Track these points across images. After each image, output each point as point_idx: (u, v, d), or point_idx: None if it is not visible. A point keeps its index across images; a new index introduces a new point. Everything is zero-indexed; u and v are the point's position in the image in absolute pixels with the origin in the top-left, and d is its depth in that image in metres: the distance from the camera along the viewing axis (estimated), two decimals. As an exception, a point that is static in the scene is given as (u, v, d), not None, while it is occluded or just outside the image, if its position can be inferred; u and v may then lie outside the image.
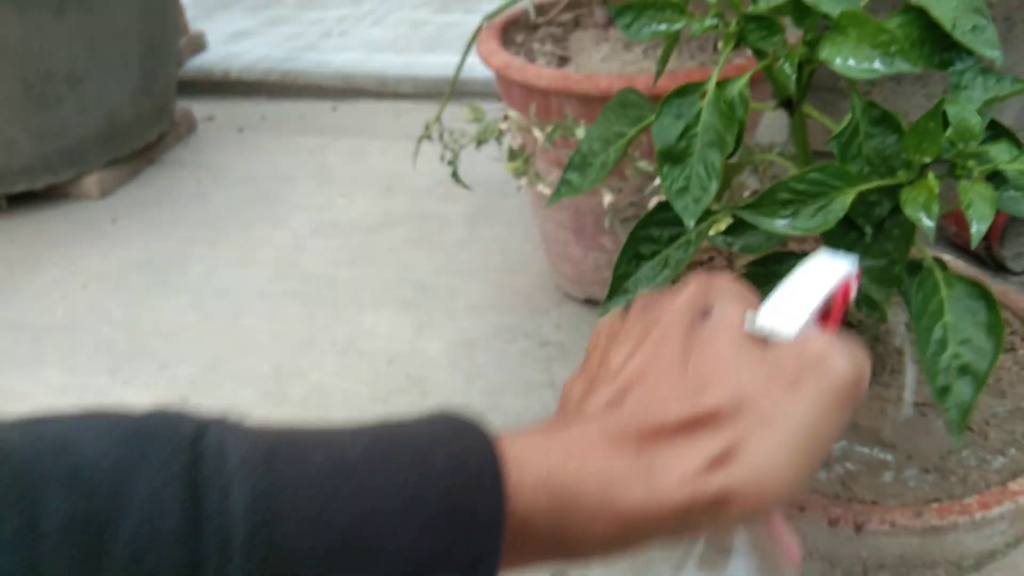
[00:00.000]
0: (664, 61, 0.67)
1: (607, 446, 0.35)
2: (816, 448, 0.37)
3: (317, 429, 0.35)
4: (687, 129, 0.58)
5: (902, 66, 0.51)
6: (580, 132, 1.04)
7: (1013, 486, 0.61)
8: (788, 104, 0.63)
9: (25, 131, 1.82)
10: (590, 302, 1.49)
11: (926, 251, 0.58)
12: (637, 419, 0.36)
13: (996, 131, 0.63)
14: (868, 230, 0.58)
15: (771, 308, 0.40)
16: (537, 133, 1.05)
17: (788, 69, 0.56)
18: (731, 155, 0.58)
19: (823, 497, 0.63)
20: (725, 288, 0.43)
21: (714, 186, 0.57)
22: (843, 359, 0.37)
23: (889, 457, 0.68)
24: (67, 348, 1.48)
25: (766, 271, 0.65)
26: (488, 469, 0.33)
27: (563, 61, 1.33)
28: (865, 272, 0.59)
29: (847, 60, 0.54)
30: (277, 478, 0.30)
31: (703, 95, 0.58)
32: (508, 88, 1.28)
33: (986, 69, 0.64)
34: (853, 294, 0.43)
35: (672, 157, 0.58)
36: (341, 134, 2.17)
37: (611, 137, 0.72)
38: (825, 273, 0.42)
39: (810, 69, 0.59)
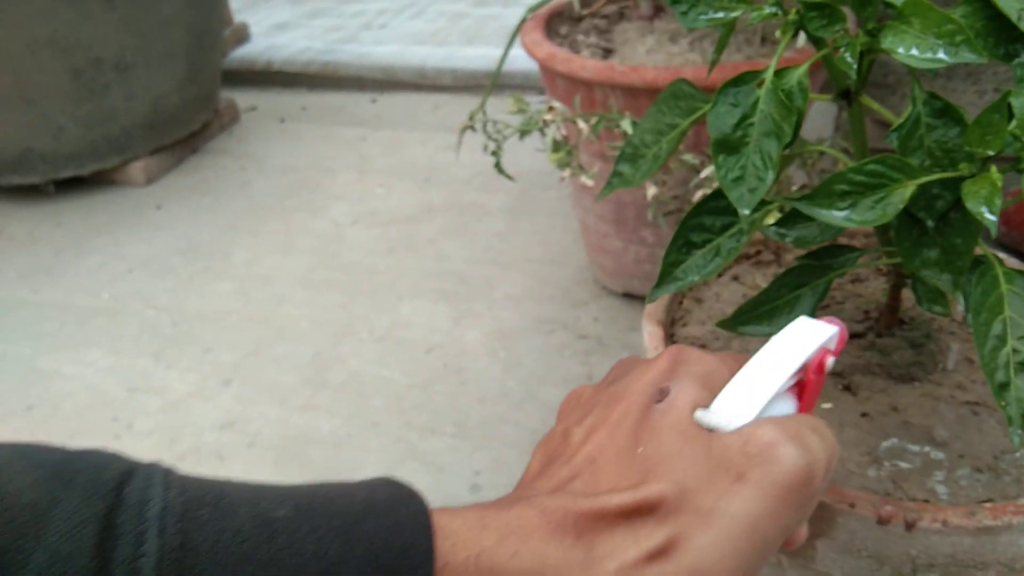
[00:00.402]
0: (720, 50, 0.66)
1: (546, 531, 0.34)
2: (761, 544, 0.35)
3: (249, 484, 0.34)
4: (744, 118, 0.57)
5: (968, 56, 0.50)
6: (625, 124, 1.04)
7: (1071, 486, 0.60)
8: (846, 95, 0.62)
9: (73, 118, 1.85)
10: (628, 296, 1.49)
11: (984, 246, 0.57)
12: (580, 504, 0.35)
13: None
14: (930, 223, 0.57)
15: (724, 398, 0.39)
16: (582, 124, 1.05)
17: (849, 58, 0.55)
18: (788, 145, 0.58)
19: (873, 495, 0.62)
20: (690, 369, 0.41)
21: (771, 176, 0.56)
22: (792, 452, 0.35)
23: (941, 455, 0.67)
24: (112, 331, 1.51)
25: (820, 264, 0.64)
26: (417, 544, 0.32)
27: (607, 53, 1.32)
28: (931, 264, 0.58)
29: (910, 50, 0.53)
30: (195, 532, 0.30)
31: (760, 84, 0.58)
32: (552, 79, 1.27)
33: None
34: (830, 364, 0.42)
35: (728, 146, 0.57)
36: (380, 125, 2.19)
37: (664, 129, 0.72)
38: (798, 347, 0.40)
39: (870, 59, 0.58)
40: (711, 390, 0.40)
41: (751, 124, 0.57)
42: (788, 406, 0.40)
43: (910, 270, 0.59)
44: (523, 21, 1.30)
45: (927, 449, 0.68)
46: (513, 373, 1.33)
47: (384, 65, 2.45)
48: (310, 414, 1.28)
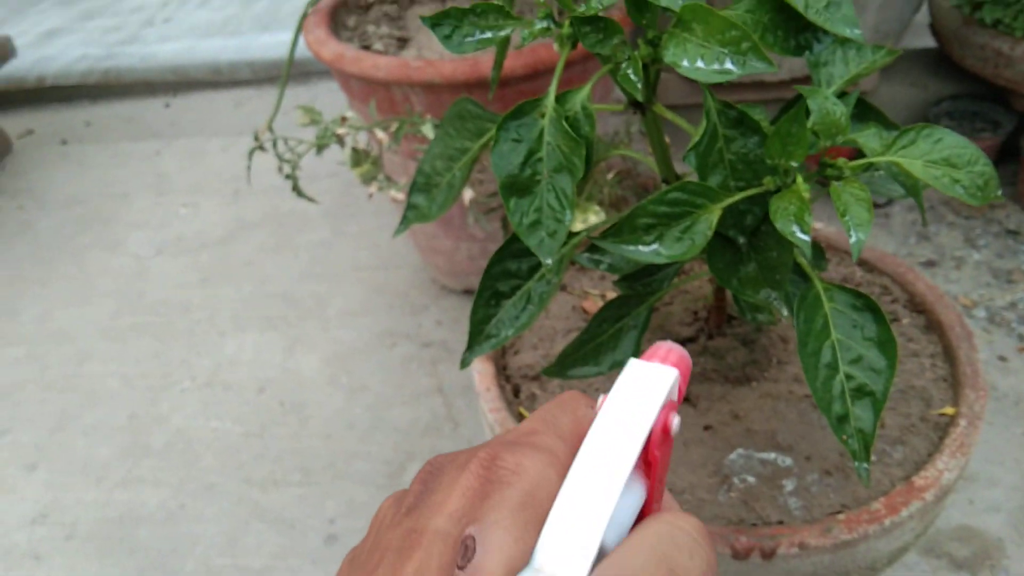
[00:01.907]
0: (498, 69, 0.58)
1: None
2: None
3: None
4: (530, 154, 0.50)
5: (757, 66, 0.45)
6: (427, 129, 0.95)
7: (918, 481, 0.58)
8: (638, 105, 0.56)
9: None
10: (469, 293, 1.42)
11: (803, 261, 0.53)
12: None
13: (862, 110, 0.59)
14: (742, 240, 0.53)
15: (550, 542, 0.30)
16: (380, 134, 0.95)
17: (633, 75, 0.49)
18: (584, 178, 0.51)
19: (726, 526, 0.58)
20: (505, 495, 0.29)
21: (568, 216, 0.50)
22: None
23: (788, 461, 0.64)
24: None
25: (638, 292, 0.59)
26: None
27: (402, 42, 1.22)
28: (749, 281, 0.54)
29: (695, 62, 0.47)
30: None
31: (542, 113, 0.51)
32: (346, 80, 1.16)
33: (845, 40, 0.59)
34: (676, 425, 0.33)
35: (518, 188, 0.50)
36: (176, 134, 1.99)
37: (453, 154, 0.64)
38: (635, 421, 0.31)
39: (657, 68, 0.52)
40: (536, 519, 0.29)
41: (539, 160, 0.50)
42: (635, 495, 0.31)
43: (728, 289, 0.54)
44: (304, 16, 1.18)
45: (774, 456, 0.65)
46: (358, 399, 1.24)
47: (174, 65, 2.23)
48: (133, 489, 1.14)
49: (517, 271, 0.55)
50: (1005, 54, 1.40)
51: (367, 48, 1.18)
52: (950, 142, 0.49)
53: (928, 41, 1.68)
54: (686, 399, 0.69)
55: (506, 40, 0.54)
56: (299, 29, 1.15)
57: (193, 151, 1.90)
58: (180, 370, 1.32)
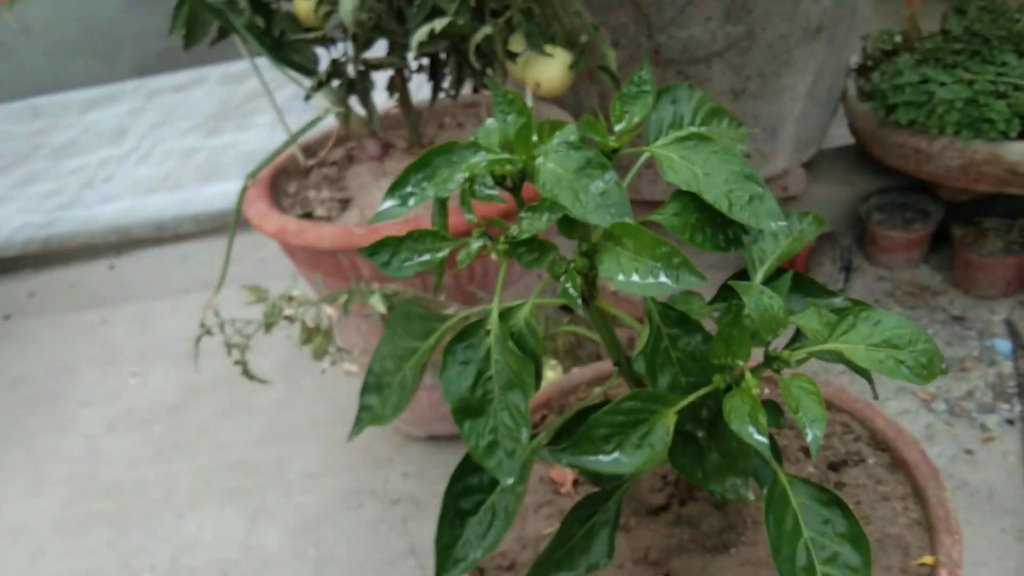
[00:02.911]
0: (438, 287, 0.59)
1: None
2: None
3: None
4: (479, 375, 0.50)
5: (690, 280, 0.46)
6: (375, 301, 0.95)
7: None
8: (583, 300, 0.57)
9: None
10: (434, 439, 1.39)
11: (768, 455, 0.53)
12: None
13: (797, 282, 0.60)
14: (701, 435, 0.53)
15: None
16: (329, 311, 0.95)
17: (571, 290, 0.49)
18: (536, 388, 0.51)
19: None
20: None
21: (525, 433, 0.49)
22: None
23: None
24: None
25: (604, 488, 0.58)
26: None
27: (344, 203, 1.24)
28: (714, 472, 0.53)
29: (630, 276, 0.48)
30: None
31: (487, 332, 0.51)
32: (291, 251, 1.17)
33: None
34: None
35: (470, 410, 0.50)
36: (123, 299, 1.96)
37: (403, 353, 0.64)
38: None
39: (595, 274, 0.53)
40: None
41: (489, 379, 0.50)
42: None
43: (694, 483, 0.54)
44: (243, 191, 1.19)
45: (762, 629, 0.63)
46: (327, 570, 1.19)
47: (116, 225, 2.22)
48: None
49: (479, 485, 0.54)
50: (924, 151, 1.47)
51: (309, 215, 1.19)
52: (890, 323, 0.50)
53: (847, 137, 1.75)
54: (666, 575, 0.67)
55: (444, 260, 0.54)
56: (239, 205, 1.16)
57: (140, 315, 1.88)
58: (138, 559, 1.26)
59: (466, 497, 0.54)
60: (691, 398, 0.50)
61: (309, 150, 1.34)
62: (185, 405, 1.56)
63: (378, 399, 0.65)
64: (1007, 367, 1.37)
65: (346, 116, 1.15)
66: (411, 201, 0.54)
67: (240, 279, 1.21)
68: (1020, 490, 1.16)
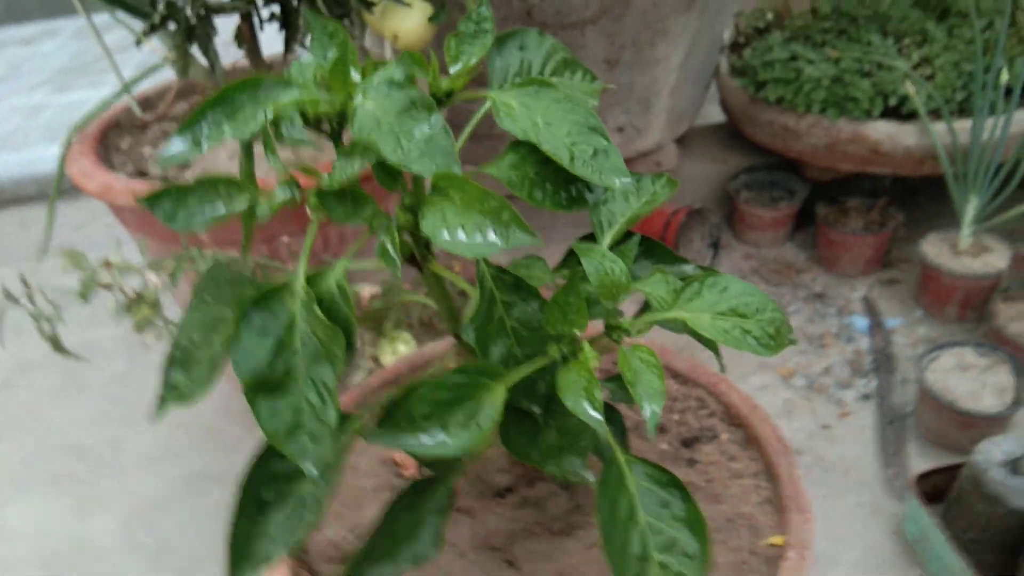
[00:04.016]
0: (246, 246, 0.51)
1: None
2: None
3: None
4: (281, 347, 0.43)
5: (521, 238, 0.41)
6: (206, 265, 0.85)
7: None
8: (414, 261, 0.51)
9: None
10: (288, 418, 1.30)
11: (608, 434, 0.48)
12: None
13: (648, 248, 0.56)
14: (537, 411, 0.48)
15: None
16: (153, 278, 0.85)
17: (391, 248, 0.43)
18: (347, 365, 0.44)
19: None
20: None
21: (333, 413, 0.43)
22: None
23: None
24: None
25: (434, 474, 0.52)
26: None
27: (182, 166, 1.12)
28: (552, 451, 0.49)
29: (456, 233, 0.42)
30: None
31: (292, 299, 0.44)
32: (119, 212, 1.05)
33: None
34: None
35: (268, 387, 0.43)
36: (-53, 265, 1.76)
37: (212, 323, 0.56)
38: None
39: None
40: None
41: (293, 352, 0.43)
42: None
43: (531, 464, 0.49)
44: (67, 146, 1.06)
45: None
46: (164, 561, 1.09)
47: (-55, 184, 2.00)
48: None
49: (284, 472, 0.47)
50: (792, 128, 1.48)
51: (143, 174, 1.07)
52: (736, 290, 0.46)
53: (720, 115, 1.76)
54: (509, 563, 0.62)
55: (251, 214, 0.47)
56: (62, 161, 1.03)
57: (-36, 283, 1.68)
58: (-55, 555, 1.12)
59: (268, 486, 0.48)
60: (524, 371, 0.44)
61: (148, 103, 1.21)
62: (11, 383, 1.41)
63: (185, 376, 0.56)
64: (864, 344, 1.40)
65: (184, 65, 1.04)
66: (205, 143, 0.46)
67: (87, 247, 1.08)
68: (873, 465, 1.19)
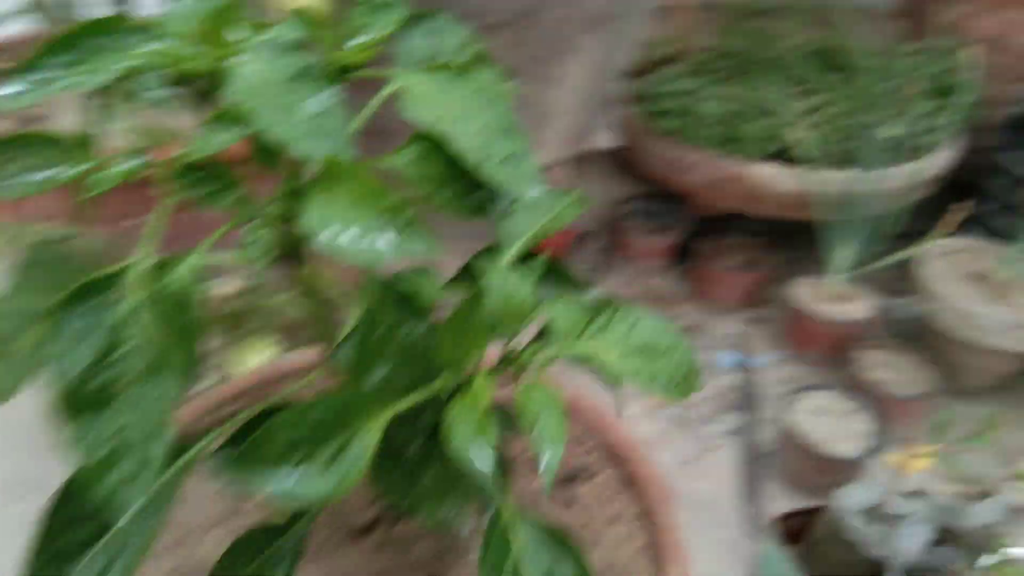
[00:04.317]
0: (74, 223, 0.42)
1: None
2: None
3: None
4: (105, 353, 0.35)
5: (419, 247, 0.34)
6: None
7: None
8: (290, 259, 0.43)
9: None
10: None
11: (491, 488, 0.42)
12: None
13: (551, 270, 0.50)
14: (413, 450, 0.41)
15: None
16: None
17: (256, 244, 0.36)
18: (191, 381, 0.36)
19: None
20: None
21: (157, 448, 0.34)
22: None
23: None
24: None
25: (283, 523, 0.44)
26: None
27: (38, 121, 0.98)
28: (428, 495, 0.42)
29: (343, 231, 0.35)
30: None
31: (127, 290, 0.35)
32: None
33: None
34: None
35: (84, 404, 0.34)
36: None
37: (31, 312, 0.47)
38: None
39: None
40: None
41: (119, 361, 0.35)
42: None
43: (400, 510, 0.42)
44: None
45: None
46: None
47: None
48: None
49: (94, 512, 0.39)
50: (681, 161, 1.48)
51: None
52: (647, 325, 0.42)
53: (616, 140, 1.75)
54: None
55: (81, 179, 0.38)
56: None
57: None
58: None
59: (71, 530, 0.39)
60: (406, 403, 0.38)
61: (8, 51, 1.06)
62: None
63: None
64: (731, 379, 1.41)
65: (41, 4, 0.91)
66: (42, 90, 0.37)
67: None
68: (735, 501, 1.19)
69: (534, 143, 1.57)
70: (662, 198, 1.67)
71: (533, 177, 0.42)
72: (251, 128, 0.34)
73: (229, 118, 0.35)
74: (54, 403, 0.34)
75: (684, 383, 0.41)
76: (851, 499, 0.98)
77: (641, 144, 1.55)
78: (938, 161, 1.46)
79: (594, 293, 0.51)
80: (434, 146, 0.41)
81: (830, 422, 1.20)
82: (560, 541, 0.39)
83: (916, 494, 0.97)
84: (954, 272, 1.35)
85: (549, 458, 0.37)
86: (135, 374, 0.35)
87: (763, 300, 1.58)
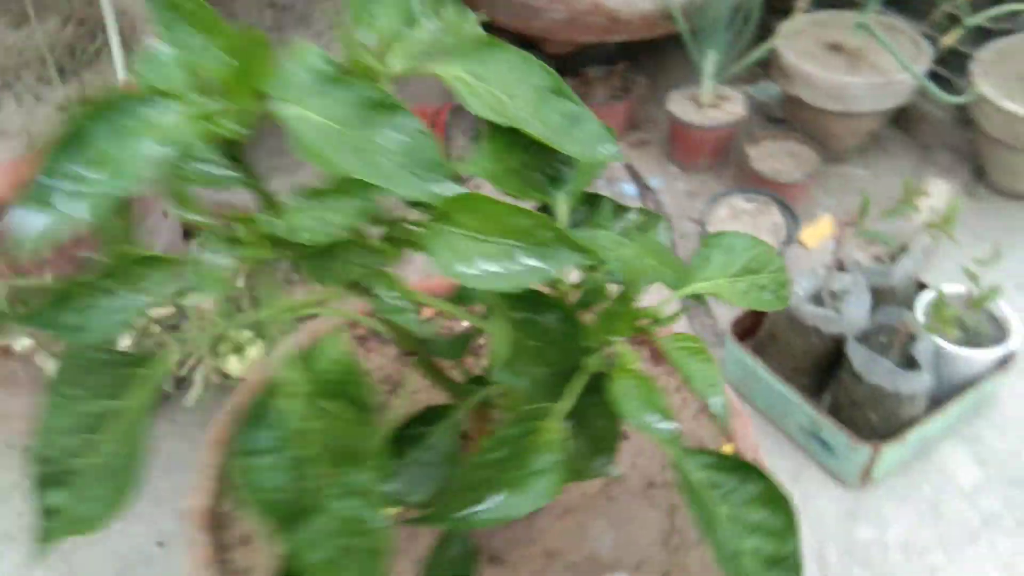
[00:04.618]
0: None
1: None
2: None
3: None
4: (295, 462, 0.33)
5: (571, 258, 0.34)
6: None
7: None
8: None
9: None
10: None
11: (678, 450, 0.43)
12: None
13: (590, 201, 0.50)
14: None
15: None
16: None
17: (397, 302, 0.34)
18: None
19: None
20: None
21: (382, 525, 0.34)
22: None
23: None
24: None
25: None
26: None
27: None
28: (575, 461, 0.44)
29: (475, 264, 0.34)
30: None
31: (288, 396, 0.33)
32: None
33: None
34: None
35: (297, 515, 0.33)
36: None
37: (91, 422, 0.43)
38: None
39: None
40: None
41: (305, 461, 0.33)
42: None
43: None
44: None
45: None
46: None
47: None
48: None
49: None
50: (532, 6, 1.45)
51: None
52: (742, 246, 0.44)
53: None
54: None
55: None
56: None
57: None
58: None
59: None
60: (572, 401, 0.39)
61: None
62: None
63: (69, 495, 0.44)
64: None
65: None
66: (69, 205, 0.32)
67: None
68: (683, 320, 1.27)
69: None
70: (516, 45, 1.63)
71: (601, 135, 0.41)
72: (364, 197, 0.31)
73: (336, 191, 0.32)
74: (271, 525, 0.33)
75: (782, 292, 0.44)
76: (799, 290, 1.07)
77: (486, -2, 1.50)
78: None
79: (632, 215, 0.51)
80: (508, 137, 0.39)
81: (747, 222, 1.29)
82: (732, 465, 0.42)
83: (848, 268, 1.08)
84: (812, 48, 1.43)
85: (715, 403, 0.39)
86: (326, 470, 0.33)
87: (639, 123, 1.62)
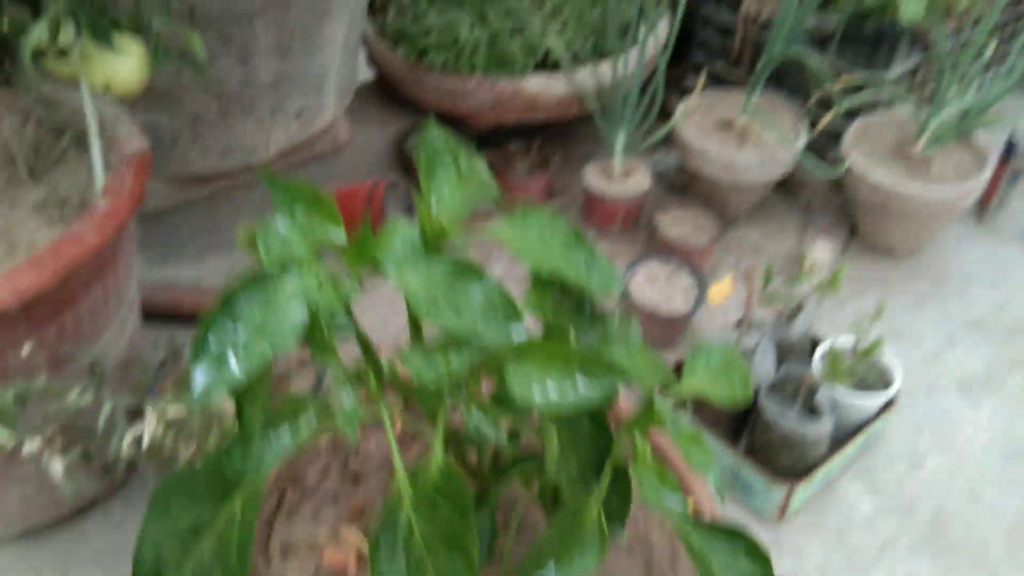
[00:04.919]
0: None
1: None
2: None
3: None
4: (414, 566, 0.42)
5: (601, 384, 0.44)
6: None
7: None
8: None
9: None
10: (28, 536, 1.11)
11: (687, 522, 0.53)
12: None
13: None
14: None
15: None
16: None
17: (487, 428, 0.43)
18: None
19: None
20: None
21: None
22: None
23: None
24: None
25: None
26: None
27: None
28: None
29: (545, 387, 0.44)
30: None
31: (399, 500, 0.42)
32: None
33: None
34: None
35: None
36: None
37: (190, 528, 0.50)
38: None
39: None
40: None
41: (421, 559, 0.42)
42: None
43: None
44: None
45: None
46: None
47: None
48: None
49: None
50: (459, 91, 1.56)
51: None
52: (716, 350, 0.55)
53: (365, 72, 1.75)
54: None
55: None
56: None
57: None
58: None
59: None
60: (604, 490, 0.49)
61: None
62: None
63: None
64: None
65: None
66: (233, 364, 0.40)
67: None
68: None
69: (316, 107, 1.56)
70: (443, 122, 1.74)
71: (610, 273, 0.52)
72: (474, 350, 0.41)
73: (454, 344, 0.41)
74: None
75: (745, 384, 0.56)
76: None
77: (413, 79, 1.60)
78: (661, 32, 1.67)
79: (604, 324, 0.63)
80: (540, 279, 0.49)
81: (660, 287, 1.44)
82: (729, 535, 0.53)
83: (756, 326, 1.24)
84: (706, 125, 1.61)
85: (711, 477, 0.50)
86: (435, 565, 0.42)
87: (560, 191, 1.76)
